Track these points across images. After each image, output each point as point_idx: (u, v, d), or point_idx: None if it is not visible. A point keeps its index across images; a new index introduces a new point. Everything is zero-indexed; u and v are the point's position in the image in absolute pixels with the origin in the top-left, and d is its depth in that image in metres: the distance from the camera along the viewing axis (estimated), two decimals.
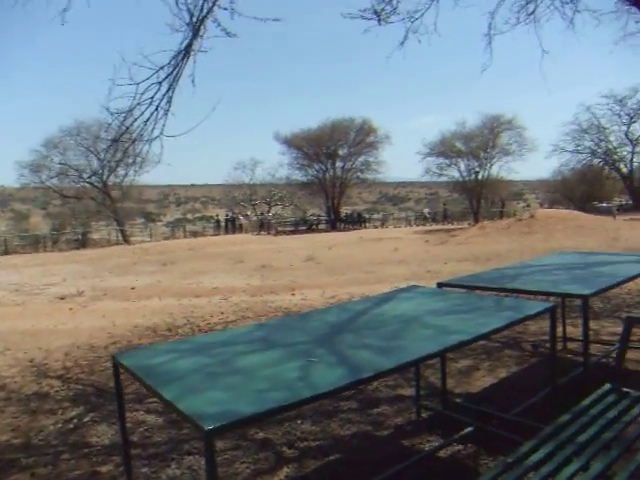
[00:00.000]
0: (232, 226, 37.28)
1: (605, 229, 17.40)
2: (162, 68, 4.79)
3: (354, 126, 37.81)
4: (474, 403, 3.50)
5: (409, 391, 3.73)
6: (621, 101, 37.37)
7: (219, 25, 4.49)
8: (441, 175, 35.68)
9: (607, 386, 2.28)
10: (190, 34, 4.61)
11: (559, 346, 4.79)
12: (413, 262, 13.27)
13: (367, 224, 38.01)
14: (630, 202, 37.70)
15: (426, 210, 42.56)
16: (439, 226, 32.56)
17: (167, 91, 4.80)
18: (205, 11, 4.63)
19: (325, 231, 33.72)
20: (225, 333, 2.52)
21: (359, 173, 38.85)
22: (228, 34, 4.52)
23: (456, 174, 35.32)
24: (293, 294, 9.42)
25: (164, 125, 4.85)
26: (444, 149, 34.87)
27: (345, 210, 41.83)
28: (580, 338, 4.89)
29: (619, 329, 5.29)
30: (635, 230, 17.83)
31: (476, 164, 34.69)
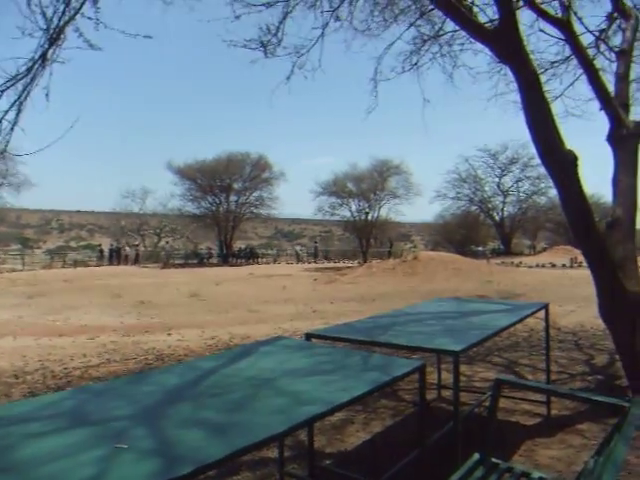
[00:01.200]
0: (117, 257, 34.96)
1: (480, 272, 18.57)
2: (15, 77, 4.18)
3: (250, 160, 37.72)
4: (344, 466, 3.20)
5: (276, 452, 3.34)
6: (494, 155, 41.28)
7: (81, 35, 4.00)
8: (333, 214, 36.50)
9: (476, 457, 2.09)
10: (46, 41, 4.06)
11: (434, 394, 4.72)
12: (300, 301, 13.06)
13: (260, 260, 37.60)
14: (501, 247, 41.20)
15: (298, 247, 43.10)
16: (330, 264, 33.04)
17: (15, 102, 4.17)
18: (67, 17, 4.12)
19: (217, 265, 32.69)
20: (26, 403, 1.98)
21: (253, 208, 38.56)
22: (91, 46, 4.04)
23: (347, 214, 36.36)
24: (170, 334, 8.70)
25: (8, 142, 4.21)
26: (336, 189, 35.85)
27: (239, 245, 41.14)
28: (460, 385, 4.90)
29: (491, 374, 5.39)
30: (506, 274, 19.25)
31: (366, 205, 36.00)
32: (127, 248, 36.55)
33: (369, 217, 36.00)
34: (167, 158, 58.72)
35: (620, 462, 1.31)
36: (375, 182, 35.90)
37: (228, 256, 36.52)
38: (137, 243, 39.15)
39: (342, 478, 2.88)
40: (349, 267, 25.26)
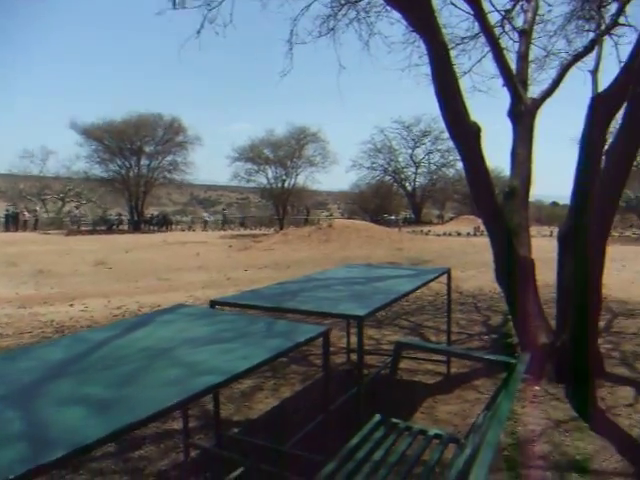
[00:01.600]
0: (14, 223, 32.26)
1: (392, 240, 19.21)
2: None
3: (163, 123, 35.91)
4: (252, 433, 3.19)
5: (181, 424, 3.26)
6: (408, 127, 42.40)
7: None
8: (249, 181, 35.97)
9: (377, 418, 2.14)
10: None
11: (344, 358, 4.83)
12: (214, 268, 12.81)
13: (174, 227, 36.42)
14: (412, 216, 42.86)
15: (205, 215, 42.32)
16: (247, 231, 32.70)
17: None
18: None
19: (127, 233, 31.19)
20: None
21: (166, 173, 36.96)
22: None
23: (264, 181, 35.97)
24: (72, 305, 8.19)
25: None
26: (252, 155, 35.23)
27: (152, 211, 39.46)
28: (366, 349, 5.05)
29: (398, 337, 5.62)
30: (415, 241, 20.07)
31: (283, 172, 35.78)
32: (26, 213, 33.84)
33: (286, 184, 35.87)
34: (70, 117, 54.39)
35: (504, 417, 1.38)
36: (292, 149, 35.68)
37: (140, 223, 34.97)
38: (37, 208, 36.35)
39: (249, 446, 2.87)
40: (265, 234, 25.12)
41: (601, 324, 5.62)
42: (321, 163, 36.48)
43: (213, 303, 2.85)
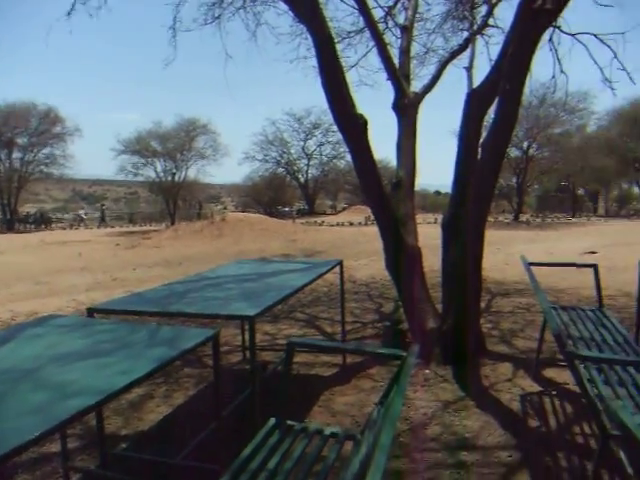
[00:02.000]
0: None
1: (286, 232, 19.26)
2: None
3: (36, 113, 32.75)
4: (142, 448, 2.98)
5: (60, 446, 2.95)
6: (299, 120, 42.67)
7: None
8: (137, 174, 34.10)
9: (272, 421, 2.07)
10: None
11: (240, 356, 4.71)
12: (99, 269, 11.96)
13: (54, 225, 33.60)
14: (306, 207, 43.38)
15: (82, 211, 39.91)
16: (136, 227, 31.03)
17: None
18: None
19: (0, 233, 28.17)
20: None
21: (43, 167, 33.83)
22: None
23: (152, 174, 34.30)
24: None
25: None
26: (139, 148, 33.41)
27: (28, 209, 35.99)
28: (263, 345, 4.97)
29: (294, 330, 5.61)
30: (309, 233, 20.30)
31: (173, 165, 34.37)
32: None
33: (176, 178, 34.50)
34: None
35: (397, 414, 1.37)
36: (182, 141, 34.35)
37: (13, 222, 31.75)
38: None
39: (137, 462, 2.67)
40: (156, 231, 24.00)
41: (482, 305, 6.05)
42: (212, 156, 35.55)
43: (90, 311, 2.59)
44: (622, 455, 2.44)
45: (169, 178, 34.32)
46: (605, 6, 6.18)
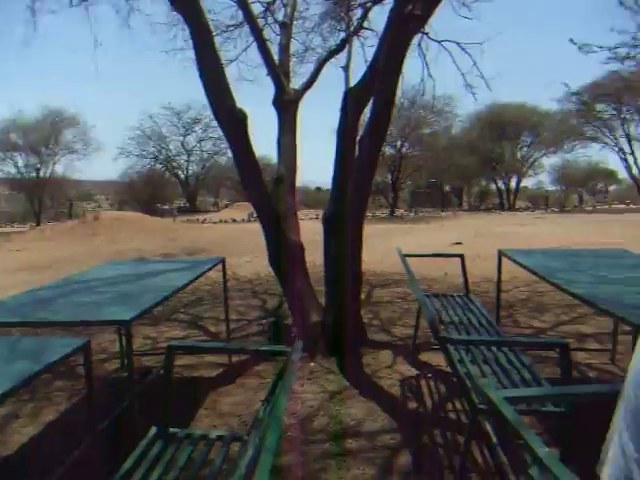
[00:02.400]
0: None
1: (166, 230, 18.50)
2: None
3: None
4: (7, 476, 2.67)
5: None
6: (178, 114, 41.12)
7: None
8: None
9: (153, 430, 1.95)
10: None
11: (118, 364, 4.42)
12: None
13: None
14: (187, 204, 42.07)
15: None
16: None
17: None
18: None
19: None
20: None
21: None
22: None
23: (13, 170, 31.02)
24: None
25: None
26: None
27: None
28: (143, 350, 4.70)
29: (177, 332, 5.39)
30: (190, 230, 19.71)
31: (37, 160, 31.38)
32: None
33: (41, 174, 31.52)
34: None
35: (282, 413, 1.36)
36: (47, 134, 31.44)
37: None
38: None
39: None
40: (20, 232, 21.71)
41: (362, 296, 6.29)
42: (83, 150, 33.03)
43: None
44: (488, 427, 2.68)
45: (33, 174, 31.26)
46: (465, 17, 6.74)
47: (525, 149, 37.56)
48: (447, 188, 42.60)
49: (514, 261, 3.91)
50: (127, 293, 2.94)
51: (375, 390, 3.65)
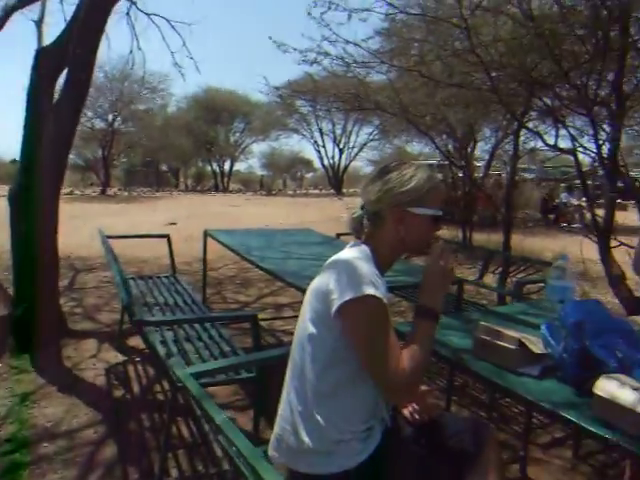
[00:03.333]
0: None
1: None
2: None
3: None
4: None
5: None
6: None
7: None
8: None
9: None
10: None
11: None
12: None
13: None
14: None
15: None
16: None
17: None
18: None
19: None
20: None
21: None
22: None
23: None
24: None
25: None
26: None
27: None
28: None
29: None
30: None
31: None
32: None
33: None
34: None
35: None
36: None
37: None
38: None
39: None
40: None
41: (64, 283, 5.69)
42: None
43: None
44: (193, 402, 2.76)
45: None
46: None
47: (238, 134, 39.55)
48: (164, 168, 41.80)
49: (218, 241, 4.09)
50: None
51: (77, 384, 3.36)
